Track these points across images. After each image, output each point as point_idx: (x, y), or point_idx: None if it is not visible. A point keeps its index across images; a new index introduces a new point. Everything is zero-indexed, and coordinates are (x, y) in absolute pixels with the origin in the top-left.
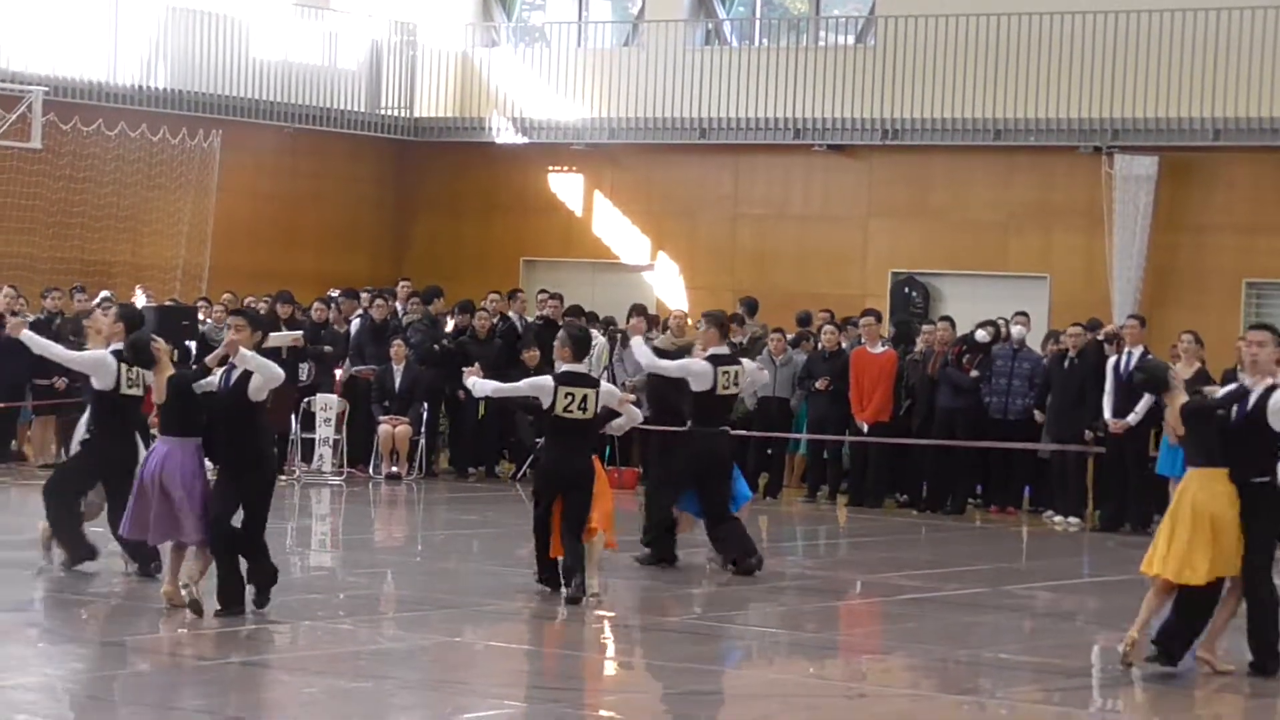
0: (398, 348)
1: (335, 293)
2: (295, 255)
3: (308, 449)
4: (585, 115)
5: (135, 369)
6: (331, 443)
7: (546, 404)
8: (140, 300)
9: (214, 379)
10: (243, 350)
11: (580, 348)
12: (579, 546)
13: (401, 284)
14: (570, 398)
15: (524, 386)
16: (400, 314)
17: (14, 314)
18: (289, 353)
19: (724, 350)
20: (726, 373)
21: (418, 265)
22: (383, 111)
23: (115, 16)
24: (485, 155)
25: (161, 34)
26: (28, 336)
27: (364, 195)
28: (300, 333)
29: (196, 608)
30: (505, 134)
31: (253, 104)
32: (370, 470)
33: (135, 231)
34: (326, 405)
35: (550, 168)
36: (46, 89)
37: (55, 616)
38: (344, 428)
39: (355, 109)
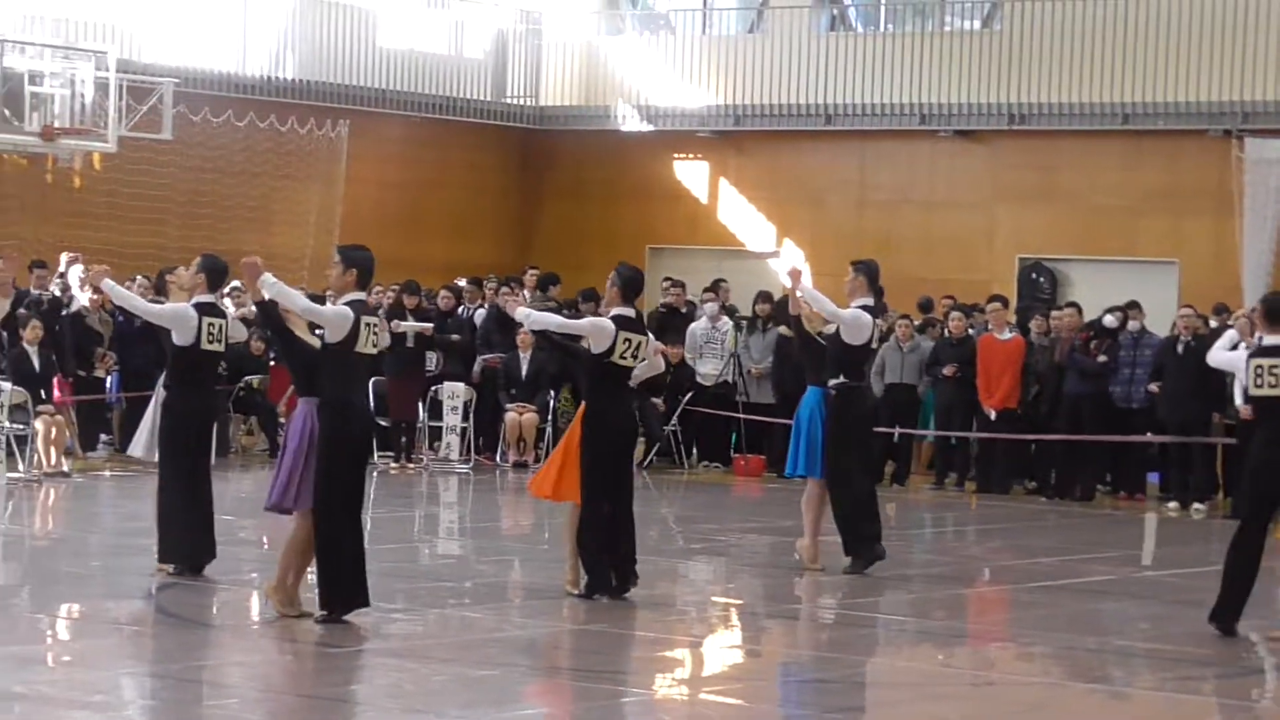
0: (524, 336)
1: (462, 281)
2: (422, 244)
3: (435, 437)
4: (710, 102)
5: (217, 324)
6: (459, 431)
7: (603, 348)
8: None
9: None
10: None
11: (631, 289)
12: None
13: (529, 272)
14: (628, 343)
15: (585, 325)
16: (527, 302)
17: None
18: (416, 341)
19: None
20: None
21: (544, 253)
22: (508, 100)
23: (245, 8)
24: (610, 143)
25: (290, 24)
26: (109, 286)
27: (490, 184)
28: (430, 324)
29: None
30: (630, 122)
31: (380, 94)
32: (497, 458)
33: (264, 221)
34: (454, 394)
35: (675, 155)
36: (177, 81)
37: (183, 604)
38: (471, 416)
39: (481, 98)
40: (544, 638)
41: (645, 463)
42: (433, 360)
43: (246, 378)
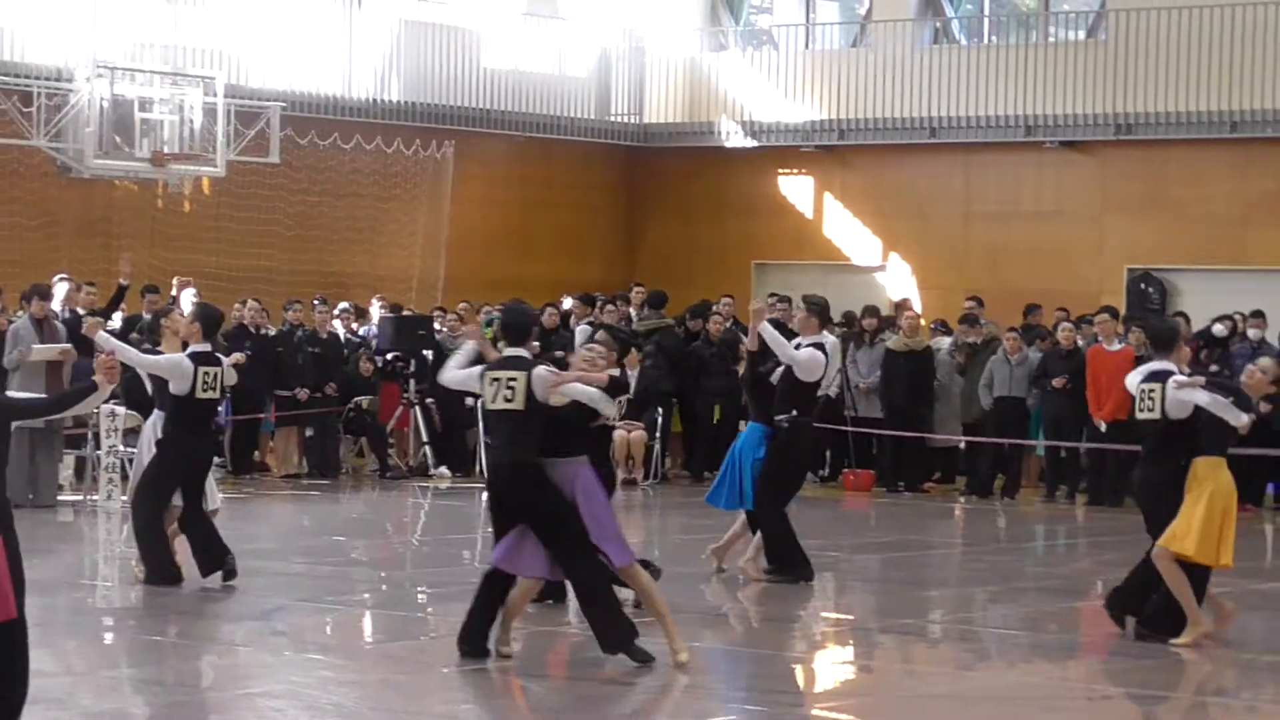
0: (631, 354)
1: (567, 301)
2: (528, 263)
3: None
4: (814, 117)
5: (213, 372)
6: None
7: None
8: (376, 311)
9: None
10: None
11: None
12: None
13: (634, 289)
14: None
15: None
16: (633, 319)
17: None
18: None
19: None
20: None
21: (649, 270)
22: (612, 118)
23: (350, 31)
24: (715, 159)
25: (395, 47)
26: (103, 338)
27: (595, 202)
28: (536, 343)
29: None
30: (735, 138)
31: (484, 114)
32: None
33: (371, 243)
34: None
35: (780, 170)
36: (284, 104)
37: (299, 624)
38: None
39: (585, 116)
40: (657, 656)
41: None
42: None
43: (356, 399)
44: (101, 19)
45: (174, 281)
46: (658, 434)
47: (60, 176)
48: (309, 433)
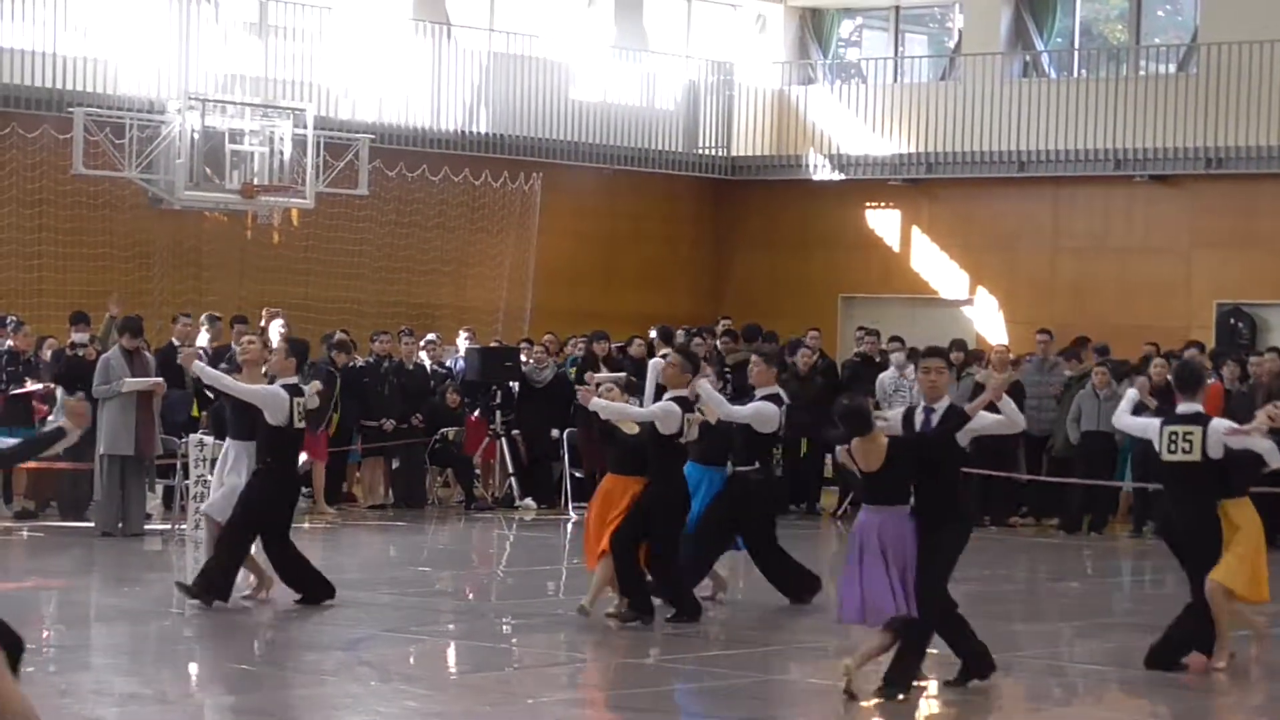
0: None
1: (653, 332)
2: (615, 295)
3: None
4: (902, 150)
5: (302, 403)
6: None
7: (673, 430)
8: (463, 343)
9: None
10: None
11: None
12: None
13: (721, 322)
14: (688, 423)
15: (656, 411)
16: (719, 351)
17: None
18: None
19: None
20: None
21: (736, 303)
22: (700, 151)
23: (439, 63)
24: (802, 192)
25: (483, 79)
26: (199, 368)
27: (682, 234)
28: (623, 374)
29: (851, 694)
30: (822, 171)
31: (572, 146)
32: None
33: (458, 274)
34: None
35: (867, 203)
36: (373, 137)
37: (385, 654)
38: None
39: (673, 149)
40: (741, 689)
41: (839, 511)
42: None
43: (442, 430)
44: (193, 52)
45: (263, 312)
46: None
47: (151, 208)
48: (395, 464)
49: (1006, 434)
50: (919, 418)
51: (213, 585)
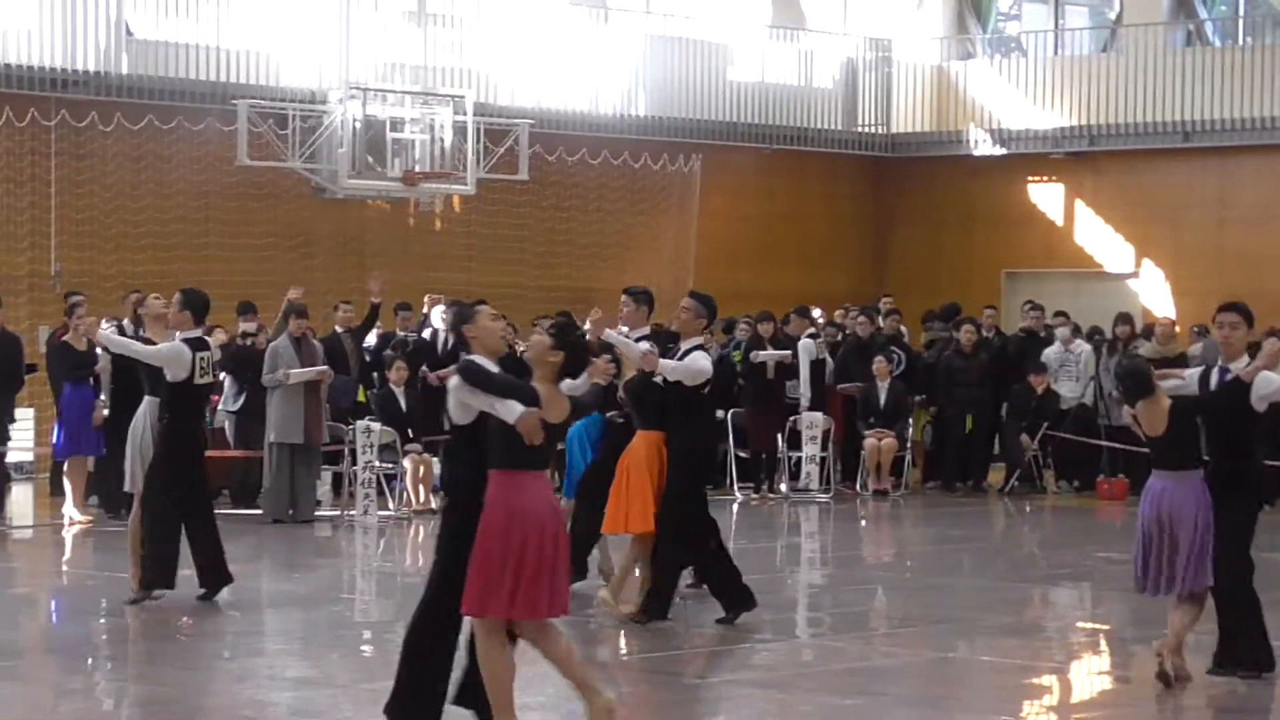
0: (880, 364)
1: (816, 311)
2: (776, 275)
3: (795, 467)
4: (1064, 123)
5: (206, 357)
6: (818, 460)
7: (699, 381)
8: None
9: None
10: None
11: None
12: None
13: (883, 300)
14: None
15: (689, 365)
16: (881, 330)
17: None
18: (775, 370)
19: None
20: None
21: (899, 280)
22: (859, 129)
23: (597, 47)
24: (963, 168)
25: (641, 62)
26: (105, 336)
27: (842, 212)
28: (788, 352)
29: (1166, 679)
30: (983, 146)
31: (731, 127)
32: (857, 486)
33: (619, 258)
34: (813, 423)
35: (1029, 178)
36: (532, 122)
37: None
38: (830, 445)
39: (832, 127)
40: (910, 666)
41: (1006, 488)
42: (793, 388)
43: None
44: (354, 41)
45: (425, 299)
46: (908, 444)
47: (315, 197)
48: (559, 447)
49: None
50: (1214, 378)
51: (156, 578)
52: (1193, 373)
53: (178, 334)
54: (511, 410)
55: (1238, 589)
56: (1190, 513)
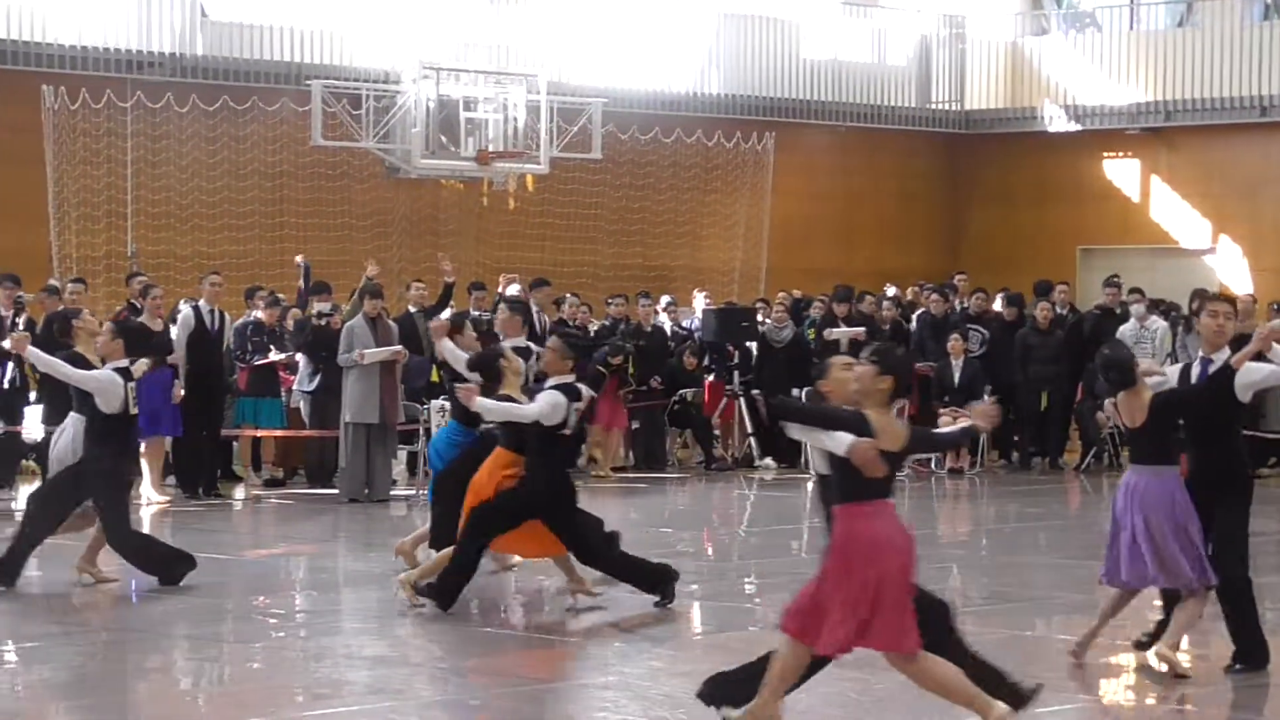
0: (954, 342)
1: (891, 289)
2: (850, 253)
3: None
4: (1139, 99)
5: (132, 387)
6: None
7: (557, 420)
8: (699, 303)
9: None
10: None
11: (580, 357)
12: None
13: (957, 277)
14: (577, 413)
15: (544, 407)
16: (958, 308)
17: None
18: (849, 347)
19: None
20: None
21: (972, 258)
22: (933, 105)
23: (669, 25)
24: (1038, 144)
25: (714, 40)
26: (33, 353)
27: (916, 190)
28: (862, 329)
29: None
30: (1058, 122)
31: (804, 104)
32: (932, 465)
33: (692, 236)
34: None
35: (1105, 154)
36: (605, 100)
37: (630, 615)
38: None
39: (905, 104)
40: (986, 645)
41: (1082, 465)
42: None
43: (681, 391)
44: (426, 21)
45: (500, 278)
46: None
47: (388, 177)
48: (634, 426)
49: None
50: (1195, 371)
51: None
52: (1174, 369)
53: (108, 363)
54: (840, 442)
55: (1244, 585)
56: (1169, 510)
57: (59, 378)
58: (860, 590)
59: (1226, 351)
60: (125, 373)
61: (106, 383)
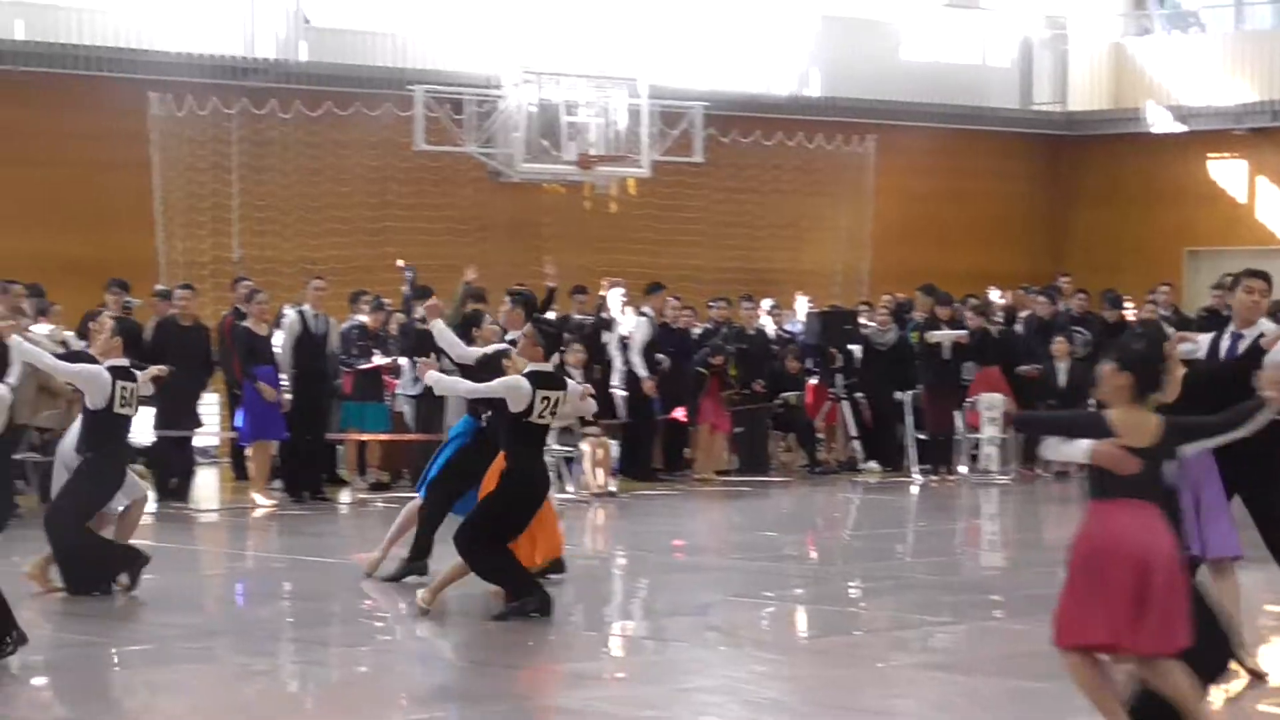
0: (1059, 344)
1: (994, 292)
2: (952, 255)
3: (974, 449)
4: (1246, 99)
5: (130, 387)
6: (998, 442)
7: (520, 408)
8: (802, 306)
9: None
10: None
11: (551, 345)
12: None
13: (1061, 279)
14: (546, 402)
15: (497, 387)
16: (1065, 309)
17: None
18: (953, 351)
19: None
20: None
21: (1076, 260)
22: (1035, 107)
23: (770, 28)
24: (1142, 145)
25: (815, 43)
26: (16, 343)
27: (1018, 192)
28: (965, 332)
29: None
30: (1162, 123)
31: (905, 107)
32: (1037, 469)
33: (795, 238)
34: (991, 404)
35: (1210, 154)
36: (706, 104)
37: (732, 619)
38: (1009, 427)
39: (1007, 106)
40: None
41: None
42: (966, 370)
43: (784, 394)
44: (528, 26)
45: (603, 282)
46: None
47: (490, 181)
48: (738, 429)
49: None
50: (1224, 343)
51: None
52: (1205, 337)
53: (105, 361)
54: (1081, 449)
55: None
56: (1196, 487)
57: (42, 369)
58: (1087, 587)
59: (1259, 328)
60: (124, 372)
61: (89, 376)
